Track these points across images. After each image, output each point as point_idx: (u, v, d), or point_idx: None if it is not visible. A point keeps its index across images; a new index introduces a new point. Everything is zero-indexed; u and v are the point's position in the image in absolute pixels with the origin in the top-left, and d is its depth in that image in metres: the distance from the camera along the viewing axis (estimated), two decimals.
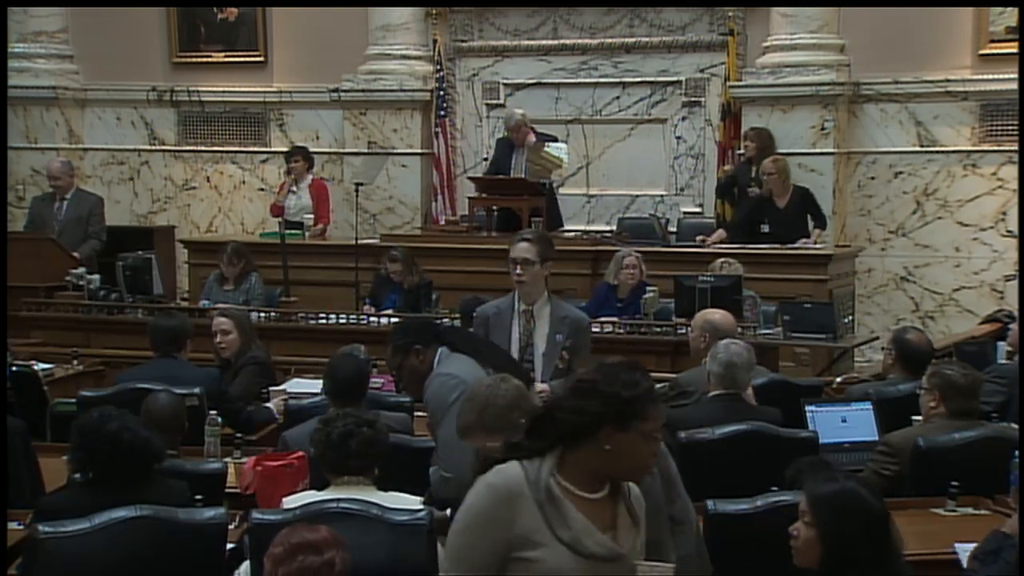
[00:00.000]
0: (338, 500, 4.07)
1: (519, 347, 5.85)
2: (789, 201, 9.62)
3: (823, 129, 10.27)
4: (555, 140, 10.10)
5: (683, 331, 7.65)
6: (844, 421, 5.70)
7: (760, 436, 5.12)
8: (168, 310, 8.02)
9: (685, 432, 5.03)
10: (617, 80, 11.15)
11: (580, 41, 11.22)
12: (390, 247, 9.22)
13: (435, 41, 11.46)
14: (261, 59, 12.02)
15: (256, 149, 12.15)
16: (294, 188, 10.63)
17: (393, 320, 8.22)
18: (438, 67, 11.41)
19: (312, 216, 10.44)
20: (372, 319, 8.46)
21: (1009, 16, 9.93)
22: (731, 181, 10.17)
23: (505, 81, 11.51)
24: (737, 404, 5.36)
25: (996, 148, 10.06)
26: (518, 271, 5.82)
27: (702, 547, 3.86)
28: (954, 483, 4.81)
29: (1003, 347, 7.15)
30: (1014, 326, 7.06)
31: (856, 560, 3.14)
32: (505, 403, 3.70)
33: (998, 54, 9.93)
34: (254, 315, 8.44)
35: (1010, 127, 9.88)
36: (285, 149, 11.20)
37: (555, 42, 11.30)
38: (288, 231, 9.88)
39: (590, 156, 11.23)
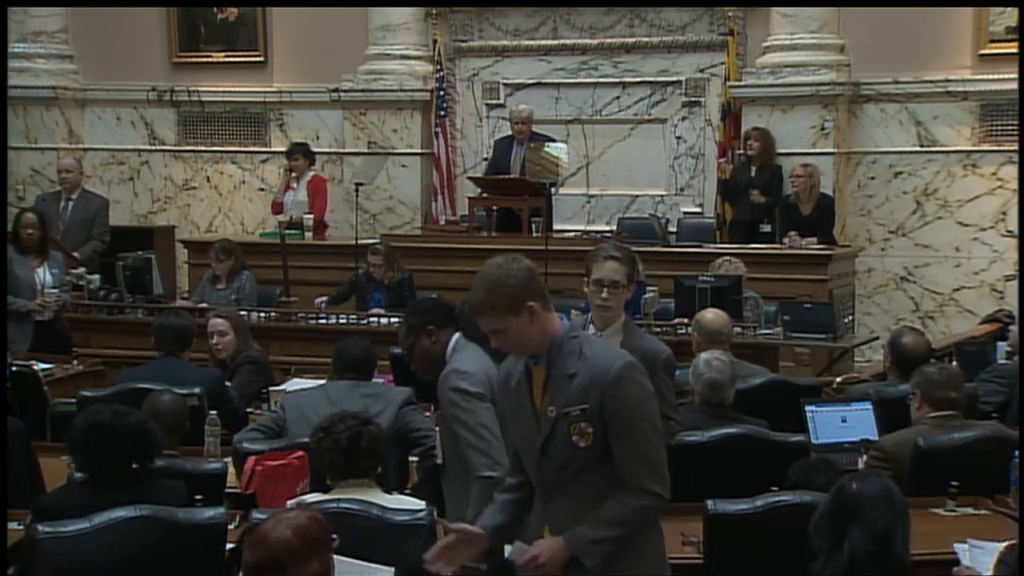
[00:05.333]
0: (338, 500, 4.07)
1: None
2: (814, 209, 9.68)
3: (823, 129, 10.26)
4: (553, 140, 10.10)
5: (683, 331, 7.66)
6: (844, 421, 5.70)
7: (750, 440, 5.09)
8: (173, 310, 8.02)
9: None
10: (617, 80, 11.15)
11: (580, 41, 11.22)
12: (373, 242, 9.25)
13: (435, 41, 11.46)
14: (261, 59, 12.02)
15: (256, 149, 12.15)
16: (294, 185, 10.66)
17: (383, 319, 8.29)
18: (438, 67, 11.41)
19: (311, 216, 10.43)
20: (372, 319, 8.47)
21: (1009, 16, 9.92)
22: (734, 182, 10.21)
23: (505, 81, 11.50)
24: (723, 411, 5.33)
25: (996, 148, 10.06)
26: (604, 295, 4.88)
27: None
28: (954, 483, 4.81)
29: (1003, 347, 7.16)
30: (1014, 327, 7.07)
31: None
32: (517, 283, 3.55)
33: (998, 54, 9.93)
34: (253, 315, 8.46)
35: (1010, 127, 9.88)
36: (285, 149, 11.20)
37: (555, 42, 11.29)
38: (288, 231, 9.89)
39: (590, 156, 11.22)
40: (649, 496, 3.49)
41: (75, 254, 9.61)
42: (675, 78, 11.01)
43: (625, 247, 5.14)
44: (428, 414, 5.90)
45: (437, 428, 4.74)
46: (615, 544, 3.49)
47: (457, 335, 4.56)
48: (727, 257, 8.40)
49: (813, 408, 5.72)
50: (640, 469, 3.48)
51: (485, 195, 10.28)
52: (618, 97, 11.17)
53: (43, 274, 8.36)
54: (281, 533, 3.11)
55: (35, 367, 7.07)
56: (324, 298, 8.88)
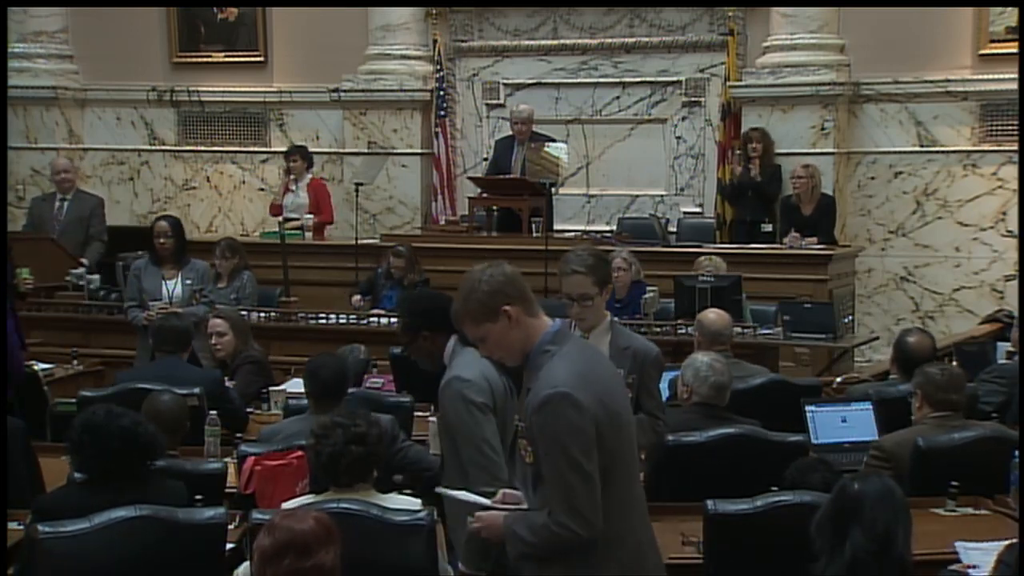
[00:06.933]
0: (338, 500, 4.07)
1: None
2: (815, 209, 9.67)
3: (823, 129, 10.27)
4: (553, 140, 10.10)
5: (683, 331, 7.66)
6: (844, 421, 5.70)
7: (750, 440, 5.08)
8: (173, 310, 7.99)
9: (672, 435, 4.97)
10: (617, 80, 11.15)
11: (580, 41, 11.22)
12: (393, 244, 9.24)
13: (435, 41, 11.46)
14: (261, 59, 12.02)
15: (256, 149, 12.15)
16: (292, 187, 10.66)
17: (383, 319, 8.28)
18: (438, 67, 11.41)
19: (311, 216, 10.42)
20: (372, 319, 8.47)
21: (1009, 16, 9.93)
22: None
23: (505, 81, 11.50)
24: (717, 411, 5.31)
25: (996, 148, 10.06)
26: (576, 310, 4.87)
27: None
28: (954, 483, 4.81)
29: (1003, 347, 7.15)
30: (1015, 327, 7.06)
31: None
32: (490, 288, 3.51)
33: (998, 54, 9.93)
34: (253, 315, 8.46)
35: (1010, 127, 9.88)
36: (285, 149, 11.21)
37: (555, 42, 11.30)
38: (288, 231, 9.89)
39: (590, 156, 11.23)
40: (560, 527, 3.30)
41: (83, 260, 9.60)
42: (675, 78, 11.01)
43: (590, 253, 5.01)
44: (428, 414, 5.89)
45: (433, 419, 4.72)
46: (528, 548, 3.38)
47: (454, 338, 4.50)
48: (708, 256, 8.41)
49: (813, 408, 5.73)
50: (555, 500, 3.31)
51: (485, 195, 10.27)
52: (618, 97, 11.18)
53: (175, 285, 7.96)
54: (303, 520, 3.26)
55: (35, 367, 7.07)
56: (359, 296, 8.89)
